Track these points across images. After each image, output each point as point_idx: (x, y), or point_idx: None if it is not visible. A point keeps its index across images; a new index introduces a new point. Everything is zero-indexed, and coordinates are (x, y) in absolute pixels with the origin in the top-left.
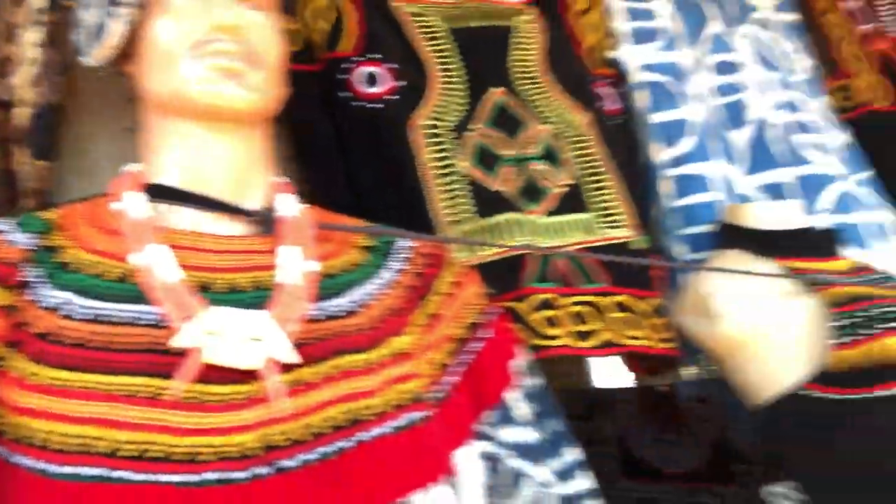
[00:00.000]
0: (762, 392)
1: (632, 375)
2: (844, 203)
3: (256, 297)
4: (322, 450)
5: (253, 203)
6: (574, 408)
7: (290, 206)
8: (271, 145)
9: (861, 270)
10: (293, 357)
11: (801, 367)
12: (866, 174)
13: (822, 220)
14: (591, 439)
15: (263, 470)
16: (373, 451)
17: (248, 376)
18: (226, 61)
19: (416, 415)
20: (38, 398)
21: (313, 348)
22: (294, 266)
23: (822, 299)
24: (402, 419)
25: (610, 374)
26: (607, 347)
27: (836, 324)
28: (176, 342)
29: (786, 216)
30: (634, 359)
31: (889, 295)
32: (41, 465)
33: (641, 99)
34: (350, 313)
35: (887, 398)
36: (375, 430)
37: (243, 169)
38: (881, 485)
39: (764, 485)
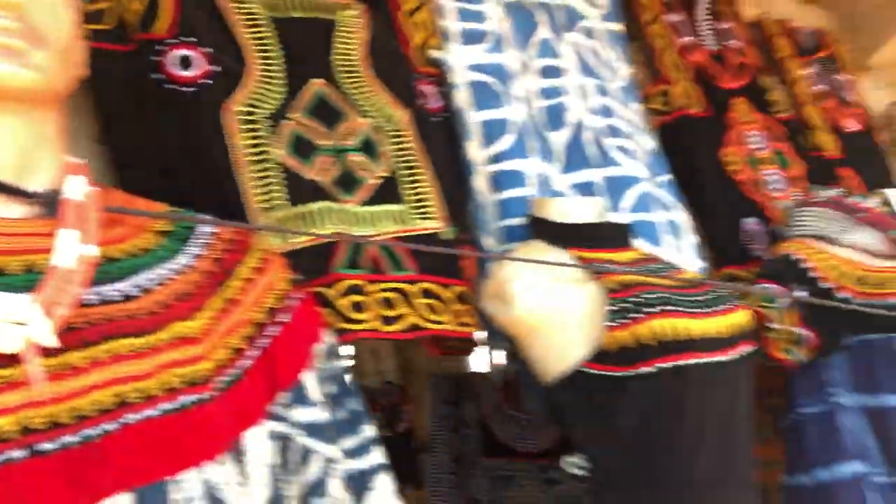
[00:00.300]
0: (549, 370)
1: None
2: (645, 203)
3: (27, 280)
4: (85, 432)
5: (39, 185)
6: (445, 394)
7: (77, 189)
8: (63, 125)
9: (645, 261)
10: (53, 341)
11: (581, 348)
12: (667, 177)
13: (625, 218)
14: (458, 423)
15: (18, 453)
16: (138, 432)
17: (10, 360)
18: (4, 38)
19: (191, 397)
20: None
21: (85, 332)
22: (70, 249)
23: (603, 286)
24: (175, 402)
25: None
26: (413, 331)
27: (612, 308)
28: None
29: (583, 211)
30: (437, 341)
31: (662, 283)
32: None
33: (464, 98)
34: (129, 298)
35: (649, 374)
36: (143, 413)
37: (29, 150)
38: (648, 450)
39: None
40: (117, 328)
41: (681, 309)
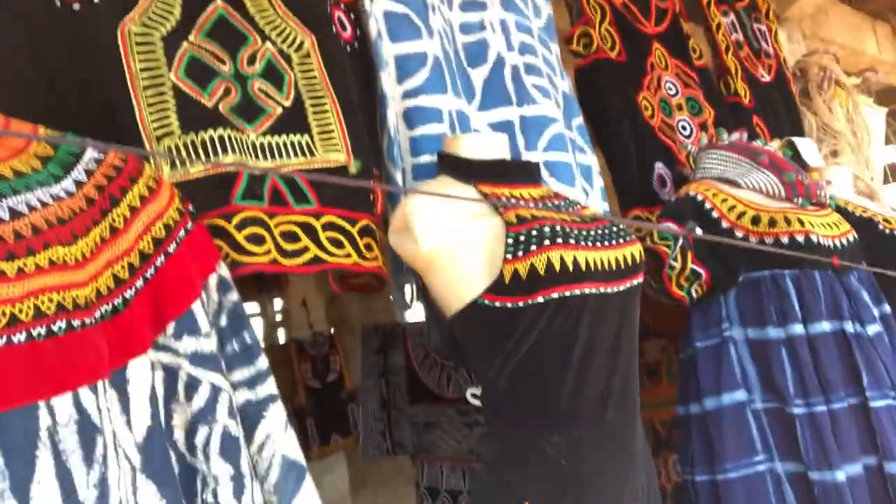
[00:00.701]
0: (451, 304)
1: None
2: (558, 143)
3: None
4: (15, 336)
5: None
6: (374, 344)
7: None
8: None
9: (551, 197)
10: None
11: (480, 281)
12: (580, 120)
13: (539, 157)
14: (386, 371)
15: None
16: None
17: None
18: None
19: (67, 322)
20: None
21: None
22: None
23: (504, 220)
24: (48, 327)
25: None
26: (315, 264)
27: (510, 241)
28: None
29: (493, 147)
30: (343, 278)
31: (561, 218)
32: None
33: (379, 27)
34: (36, 207)
35: (543, 303)
36: (12, 337)
37: None
38: (540, 375)
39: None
40: (35, 240)
41: (574, 241)
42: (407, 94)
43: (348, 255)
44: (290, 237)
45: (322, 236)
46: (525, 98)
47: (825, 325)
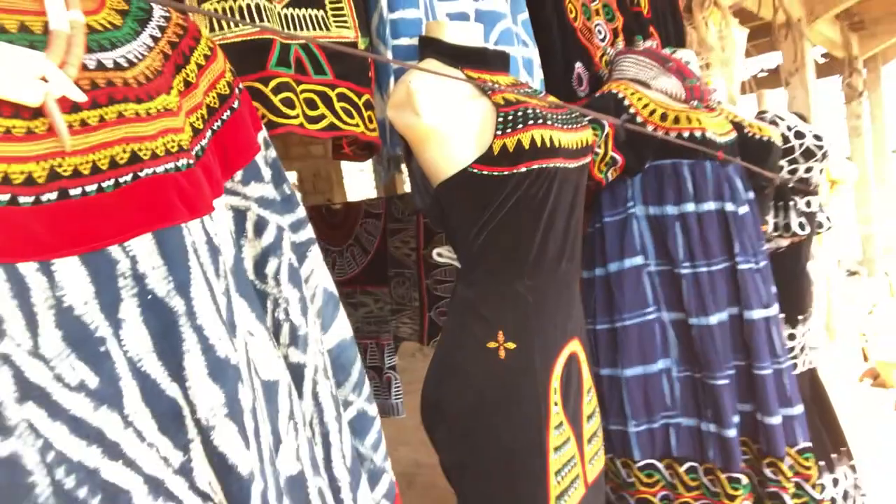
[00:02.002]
0: (442, 172)
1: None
2: (507, 37)
3: (26, 38)
4: (105, 182)
5: None
6: None
7: None
8: None
9: (521, 85)
10: (80, 96)
11: (472, 152)
12: (525, 15)
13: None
14: None
15: (51, 194)
16: (150, 184)
17: (33, 113)
18: None
19: (184, 161)
20: None
21: (93, 94)
22: (60, 13)
23: (493, 101)
24: (175, 163)
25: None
26: (332, 130)
27: (500, 120)
28: None
29: (470, 36)
30: (337, 145)
31: (537, 102)
32: None
33: None
34: (120, 67)
35: (526, 172)
36: (150, 169)
37: None
38: (515, 230)
39: (434, 248)
40: (120, 93)
41: (551, 123)
42: None
43: (357, 125)
44: (311, 104)
45: (336, 106)
46: None
47: (711, 205)
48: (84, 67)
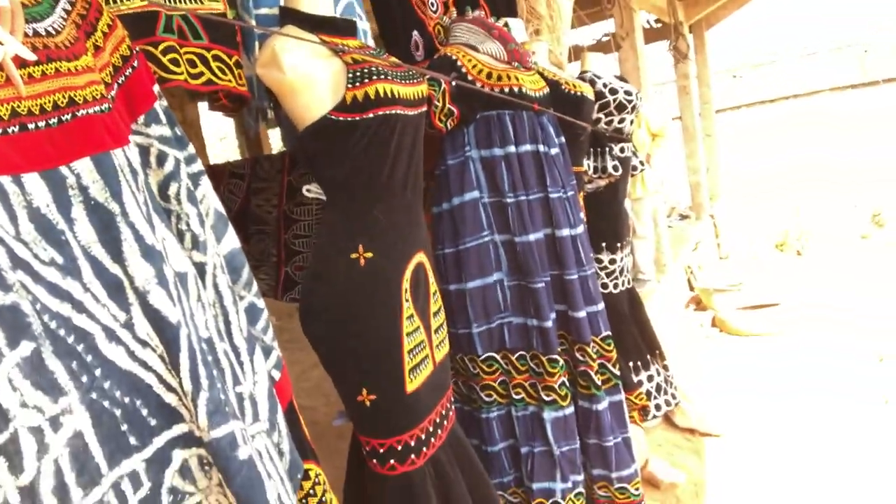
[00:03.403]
0: (306, 119)
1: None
2: (350, 10)
3: None
4: (51, 120)
5: None
6: None
7: None
8: None
9: (366, 48)
10: (30, 55)
11: (329, 102)
12: None
13: None
14: None
15: (14, 127)
16: (84, 122)
17: None
18: None
19: (106, 105)
20: None
21: (35, 54)
22: None
23: (344, 60)
24: (100, 106)
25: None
26: (210, 84)
27: (350, 75)
28: None
29: (323, 7)
30: (225, 98)
31: (380, 62)
32: None
33: None
34: (49, 34)
35: (373, 117)
36: (83, 111)
37: None
38: (368, 165)
39: (305, 185)
40: (54, 54)
41: (392, 78)
42: None
43: (230, 81)
44: (192, 64)
45: (213, 65)
46: None
47: (528, 147)
48: (25, 34)
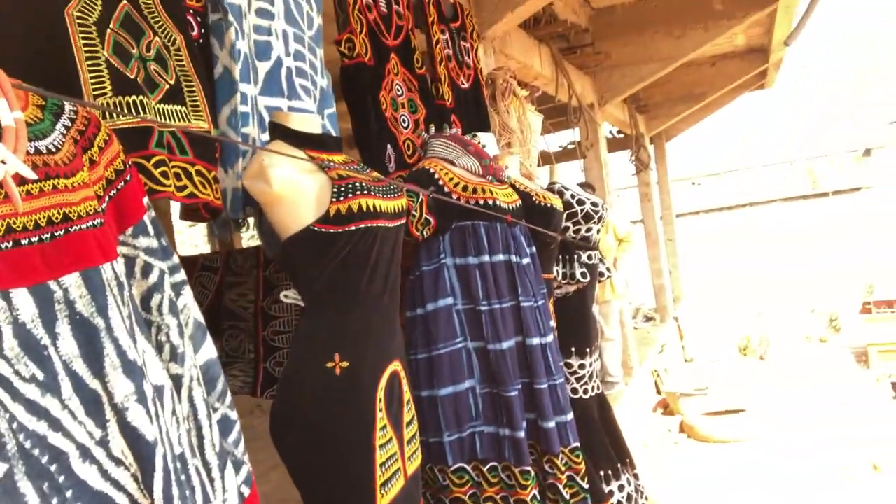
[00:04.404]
0: (289, 229)
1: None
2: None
3: None
4: (45, 235)
5: None
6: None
7: None
8: None
9: (351, 163)
10: (31, 174)
11: (312, 214)
12: (332, 110)
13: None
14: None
15: (7, 244)
16: (76, 238)
17: None
18: None
19: (99, 220)
20: None
21: (36, 171)
22: (6, 113)
23: (329, 176)
24: (92, 222)
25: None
26: (193, 198)
27: (334, 190)
28: None
29: (312, 124)
30: (198, 208)
31: (363, 177)
32: None
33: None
34: (50, 151)
35: (354, 230)
36: (76, 227)
37: None
38: (345, 276)
39: (283, 290)
40: (53, 171)
41: (374, 193)
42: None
43: (209, 194)
44: (178, 177)
45: (195, 179)
46: (293, 94)
47: (501, 257)
48: (26, 152)
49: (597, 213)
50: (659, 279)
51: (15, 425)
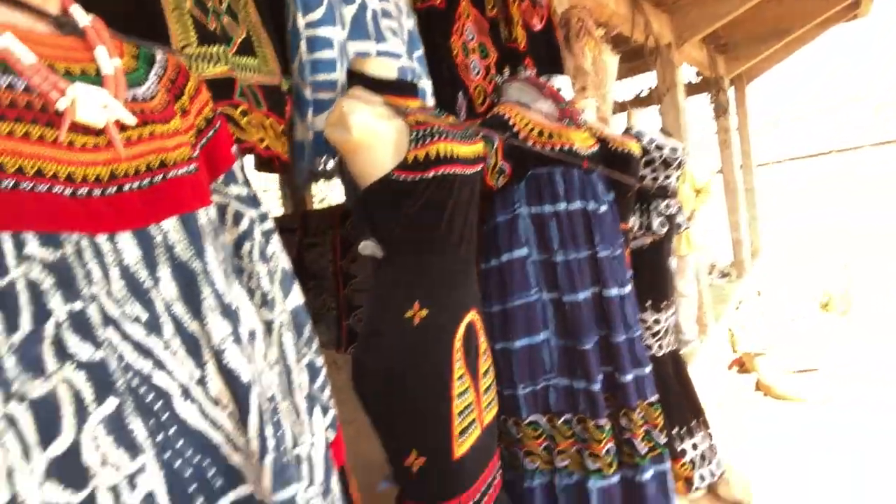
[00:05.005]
0: (369, 177)
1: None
2: (403, 73)
3: (86, 80)
4: (144, 181)
5: (52, 9)
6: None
7: (83, 16)
8: None
9: (428, 108)
10: (131, 119)
11: (392, 161)
12: (420, 52)
13: None
14: None
15: (112, 188)
16: (173, 183)
17: (98, 132)
18: None
19: (193, 166)
20: None
21: (136, 118)
22: (107, 61)
23: (407, 122)
24: (187, 168)
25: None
26: (269, 150)
27: (412, 136)
28: (61, 105)
29: (390, 69)
30: (271, 160)
31: (440, 121)
32: None
33: None
34: (146, 99)
35: (433, 176)
36: (173, 173)
37: None
38: (426, 223)
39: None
40: (149, 118)
41: (452, 138)
42: (309, 26)
43: (280, 147)
44: (257, 129)
45: (269, 131)
46: (380, 37)
47: (578, 204)
48: (125, 100)
49: (676, 159)
50: (737, 232)
51: (123, 364)
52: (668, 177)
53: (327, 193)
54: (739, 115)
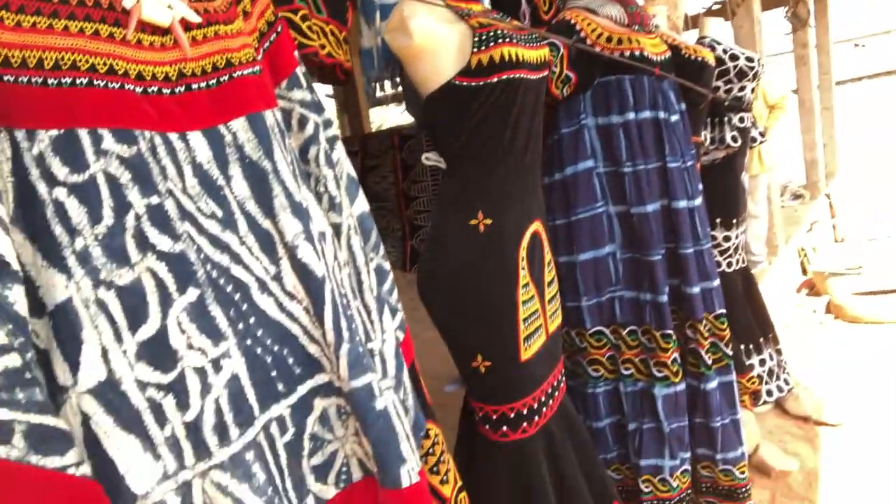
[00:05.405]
0: (430, 84)
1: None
2: None
3: None
4: (211, 81)
5: None
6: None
7: None
8: None
9: (490, 11)
10: (196, 18)
11: (454, 67)
12: None
13: None
14: None
15: (181, 88)
16: (239, 83)
17: (164, 31)
18: None
19: (258, 67)
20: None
21: (200, 17)
22: None
23: (470, 25)
24: (252, 69)
25: None
26: (331, 57)
27: (476, 40)
28: (127, 3)
29: None
30: (333, 69)
31: (504, 24)
32: (38, 79)
33: None
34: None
35: (498, 81)
36: (238, 73)
37: None
38: (490, 129)
39: (425, 152)
40: (213, 18)
41: (516, 42)
42: None
43: (342, 55)
44: (318, 35)
45: (330, 38)
46: None
47: (647, 114)
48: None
49: (752, 69)
50: (811, 152)
51: (202, 256)
52: (742, 88)
53: (384, 119)
54: (819, 29)
